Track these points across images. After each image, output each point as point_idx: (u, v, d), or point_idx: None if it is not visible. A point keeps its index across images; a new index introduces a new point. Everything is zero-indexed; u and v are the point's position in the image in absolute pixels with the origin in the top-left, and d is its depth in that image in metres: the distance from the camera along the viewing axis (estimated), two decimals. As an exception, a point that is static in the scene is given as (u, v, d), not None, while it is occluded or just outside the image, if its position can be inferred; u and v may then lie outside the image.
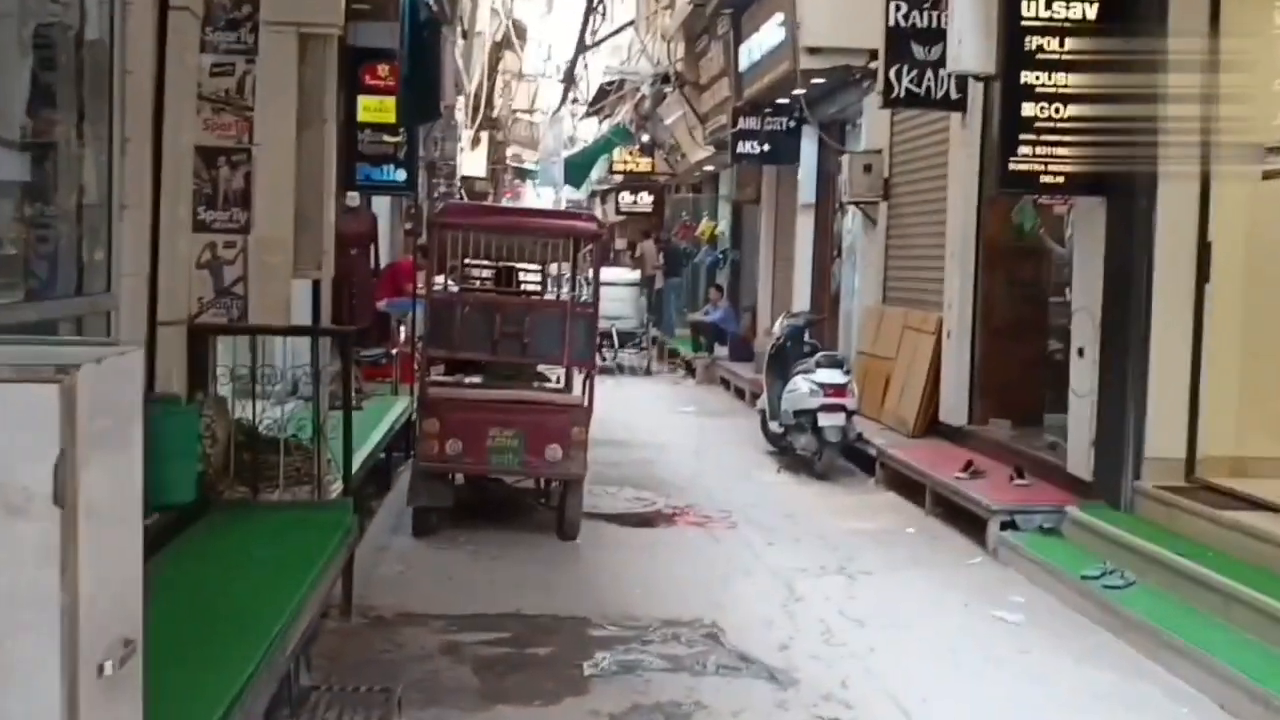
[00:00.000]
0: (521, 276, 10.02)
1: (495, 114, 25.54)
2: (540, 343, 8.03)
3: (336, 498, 6.12)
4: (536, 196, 42.92)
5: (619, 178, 31.25)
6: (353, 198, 10.65)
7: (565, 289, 9.13)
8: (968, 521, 8.40)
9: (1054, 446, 8.90)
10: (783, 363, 11.50)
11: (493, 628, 6.07)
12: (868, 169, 12.40)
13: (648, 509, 9.22)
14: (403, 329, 13.14)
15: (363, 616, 6.07)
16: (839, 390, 10.49)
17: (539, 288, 9.89)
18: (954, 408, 10.33)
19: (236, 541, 5.24)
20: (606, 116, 28.34)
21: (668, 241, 24.00)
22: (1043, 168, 7.76)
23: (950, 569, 7.66)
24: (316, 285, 10.15)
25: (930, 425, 10.76)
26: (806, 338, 11.71)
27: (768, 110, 15.52)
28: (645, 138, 23.35)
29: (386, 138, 11.00)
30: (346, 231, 10.53)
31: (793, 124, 15.48)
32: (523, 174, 34.53)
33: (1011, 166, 7.76)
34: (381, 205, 14.14)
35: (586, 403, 8.06)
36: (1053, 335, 9.63)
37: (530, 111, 28.38)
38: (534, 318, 8.14)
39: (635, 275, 22.17)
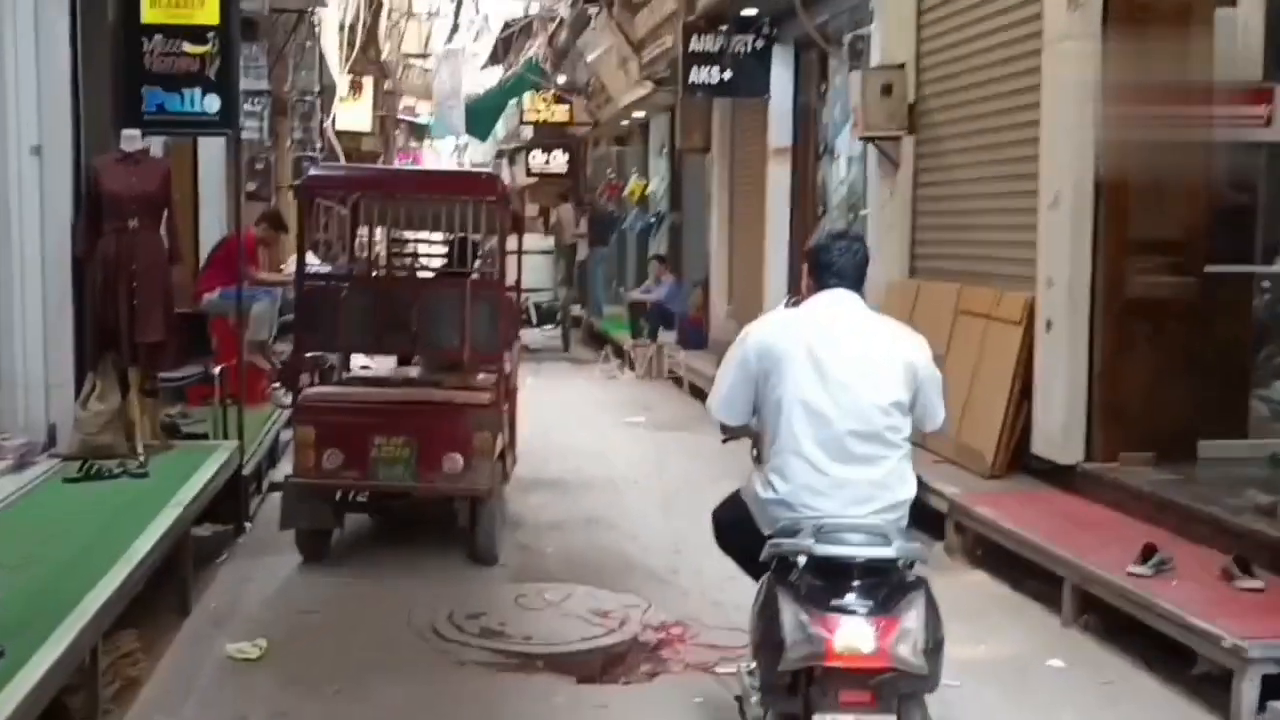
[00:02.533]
0: (413, 251, 8.55)
1: (383, 57, 21.54)
2: (433, 331, 6.70)
3: None
4: (436, 157, 38.89)
5: (529, 130, 27.46)
6: (132, 137, 6.84)
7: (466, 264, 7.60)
8: (1151, 640, 5.01)
9: (1276, 510, 5.51)
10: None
11: None
12: (887, 91, 8.87)
13: (613, 636, 5.62)
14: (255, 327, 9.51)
15: None
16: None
17: (438, 263, 8.30)
18: (1059, 435, 6.88)
19: None
20: (512, 65, 24.44)
21: (591, 205, 20.29)
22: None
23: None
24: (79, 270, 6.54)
25: (1014, 459, 7.31)
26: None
27: (725, 27, 11.92)
28: (562, 79, 19.54)
29: (189, 47, 7.19)
30: (121, 191, 6.74)
31: (761, 44, 11.93)
32: (419, 131, 30.49)
33: None
34: (212, 155, 10.27)
35: (498, 402, 6.66)
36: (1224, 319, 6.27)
37: (424, 56, 24.35)
38: (425, 301, 6.73)
39: (549, 243, 18.49)
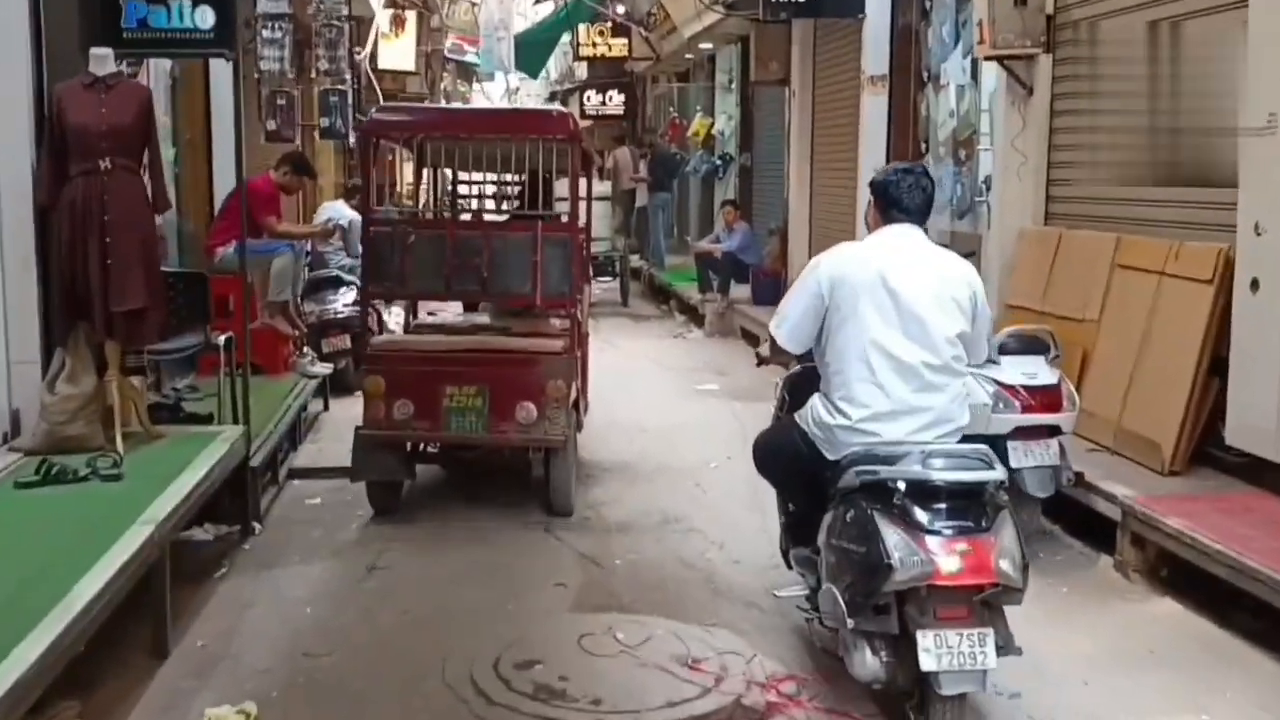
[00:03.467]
0: (480, 194, 8.19)
1: (427, -10, 20.09)
2: (504, 277, 6.45)
3: None
4: (487, 101, 37.45)
5: (583, 70, 25.95)
6: (103, 57, 5.51)
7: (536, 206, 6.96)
8: None
9: None
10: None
11: None
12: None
13: (709, 698, 4.29)
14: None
15: None
16: (1048, 396, 5.56)
17: (507, 206, 7.95)
18: (1267, 423, 5.39)
19: None
20: (565, -2, 22.87)
21: (652, 146, 18.77)
22: None
23: None
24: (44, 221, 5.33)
25: (1197, 450, 5.86)
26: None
27: (812, -64, 10.38)
28: (620, 9, 17.98)
29: (172, -54, 5.87)
30: (89, 124, 5.45)
31: (853, -45, 10.36)
32: (467, 72, 29.01)
33: None
34: (227, 86, 8.96)
35: (571, 350, 6.50)
36: None
37: (473, -12, 22.87)
38: (495, 245, 6.46)
39: (605, 188, 17.01)
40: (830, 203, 12.07)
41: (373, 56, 16.92)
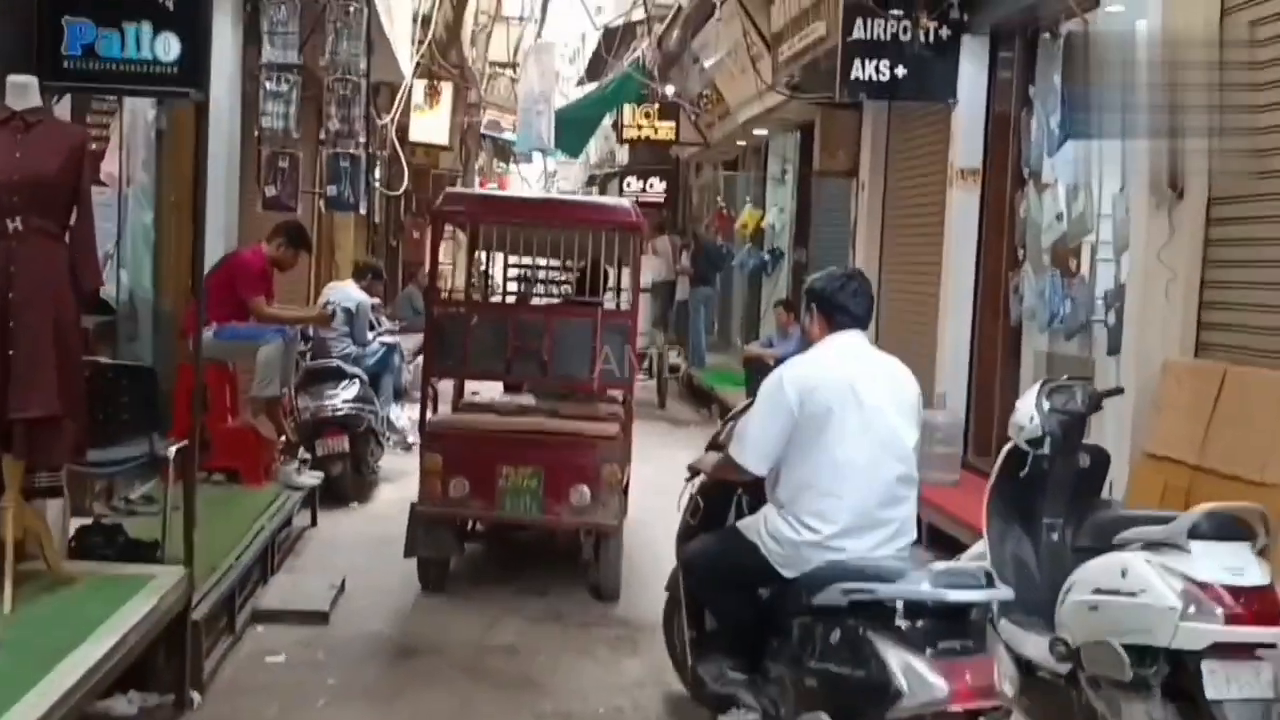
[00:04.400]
0: (540, 279, 8.20)
1: (466, 63, 19.06)
2: (564, 360, 6.62)
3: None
4: (523, 183, 36.54)
5: (624, 154, 24.91)
6: (22, 86, 4.23)
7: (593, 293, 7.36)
8: None
9: None
10: (1032, 497, 5.19)
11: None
12: (1175, 80, 6.00)
13: None
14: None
15: None
16: (1260, 601, 4.09)
17: (561, 292, 8.12)
18: None
19: None
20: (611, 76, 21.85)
21: (695, 237, 17.51)
22: None
23: None
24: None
25: None
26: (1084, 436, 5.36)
27: (899, 11, 9.12)
28: (669, 90, 16.83)
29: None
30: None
31: (946, 33, 9.09)
32: (504, 152, 28.04)
33: None
34: (223, 136, 7.73)
35: (625, 434, 6.67)
36: None
37: (513, 65, 21.83)
38: (557, 329, 6.65)
39: (644, 279, 15.70)
40: (903, 307, 10.69)
41: (403, 128, 15.84)
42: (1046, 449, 5.08)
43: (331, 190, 8.79)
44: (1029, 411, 5.19)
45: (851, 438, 3.91)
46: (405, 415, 10.25)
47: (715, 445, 4.98)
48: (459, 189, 10.91)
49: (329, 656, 5.56)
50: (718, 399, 14.38)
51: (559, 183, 39.42)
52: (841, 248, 12.69)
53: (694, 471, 4.88)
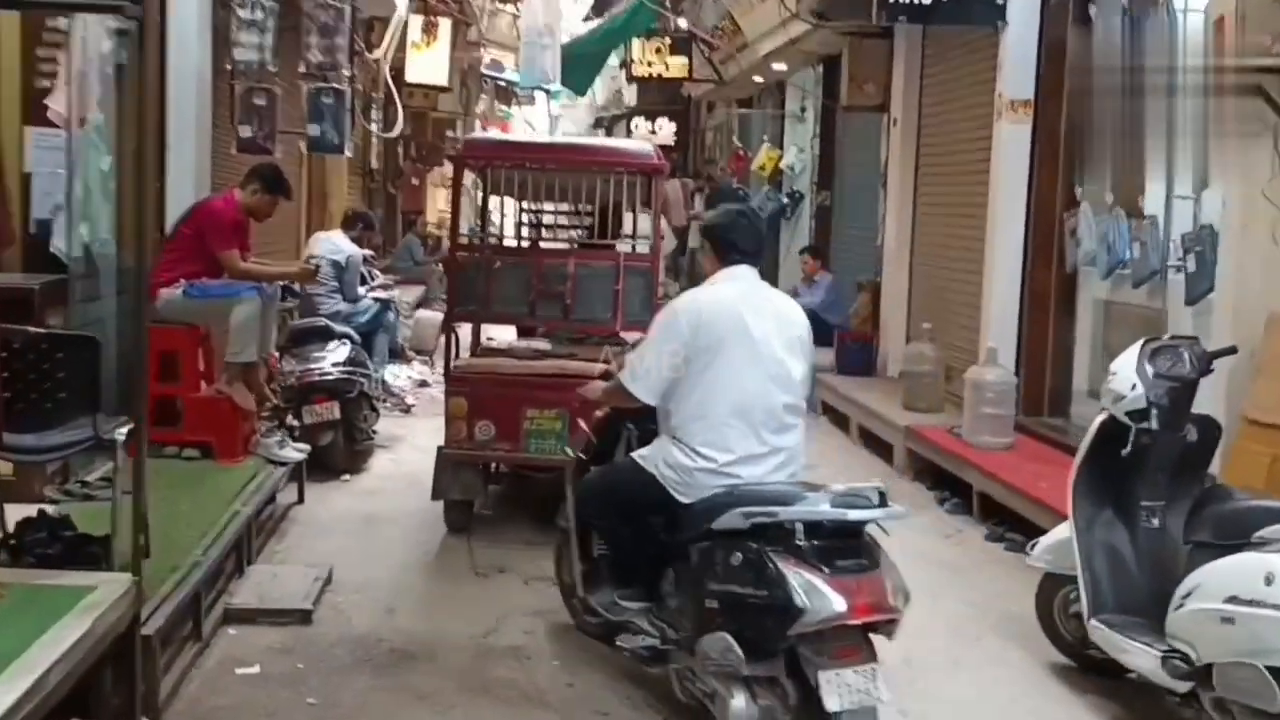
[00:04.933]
0: (559, 223, 8.31)
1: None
2: (587, 303, 6.66)
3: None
4: (528, 127, 35.51)
5: (631, 95, 23.96)
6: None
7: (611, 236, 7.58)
8: None
9: None
10: (1128, 477, 4.44)
11: None
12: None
13: None
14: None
15: None
16: None
17: (580, 236, 8.06)
18: None
19: None
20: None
21: (710, 179, 16.57)
22: None
23: None
24: None
25: None
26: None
27: (940, -74, 8.21)
28: (683, 22, 15.83)
29: None
30: None
31: (994, -51, 8.19)
32: (506, 95, 27.01)
33: None
34: (189, 68, 6.91)
35: None
36: None
37: (514, 1, 20.79)
38: (579, 273, 6.66)
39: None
40: (941, 250, 9.86)
41: (399, 69, 14.94)
42: (1153, 423, 4.29)
43: (314, 130, 7.89)
44: (1129, 377, 4.40)
45: (742, 368, 4.04)
46: (405, 375, 9.47)
47: (605, 376, 5.05)
48: (480, 134, 9.89)
49: (310, 667, 4.81)
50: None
51: (563, 126, 38.37)
52: (870, 189, 11.85)
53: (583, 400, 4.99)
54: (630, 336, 6.70)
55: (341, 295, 8.51)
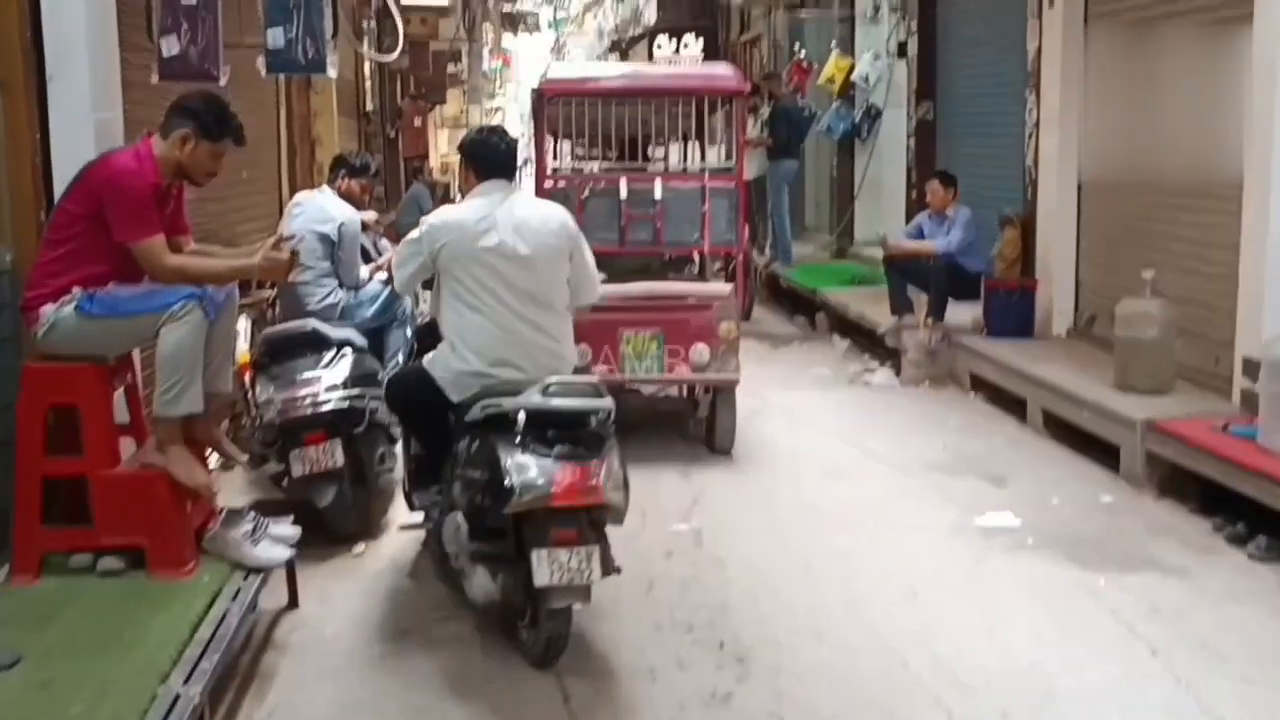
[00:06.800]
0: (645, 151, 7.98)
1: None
2: (676, 226, 6.96)
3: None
4: (533, 60, 32.74)
5: (650, 9, 21.30)
6: None
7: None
8: None
9: None
10: None
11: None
12: None
13: None
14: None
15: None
16: None
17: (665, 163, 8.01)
18: None
19: None
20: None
21: (771, 95, 13.90)
22: None
23: None
24: None
25: None
26: None
27: None
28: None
29: None
30: None
31: None
32: (514, 21, 24.23)
33: None
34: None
35: (736, 293, 6.94)
36: None
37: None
38: (667, 196, 6.93)
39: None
40: (1143, 168, 7.32)
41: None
42: None
43: (275, 38, 5.21)
44: None
45: (488, 277, 4.31)
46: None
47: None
48: (559, 68, 9.47)
49: None
50: (822, 305, 11.09)
51: (571, 53, 35.54)
52: (996, 95, 9.29)
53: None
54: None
55: (338, 281, 6.05)
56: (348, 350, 5.51)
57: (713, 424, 6.87)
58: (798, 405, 8.13)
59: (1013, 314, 8.25)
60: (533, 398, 4.00)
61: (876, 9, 13.24)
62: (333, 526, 5.40)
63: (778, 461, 6.78)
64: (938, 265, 8.48)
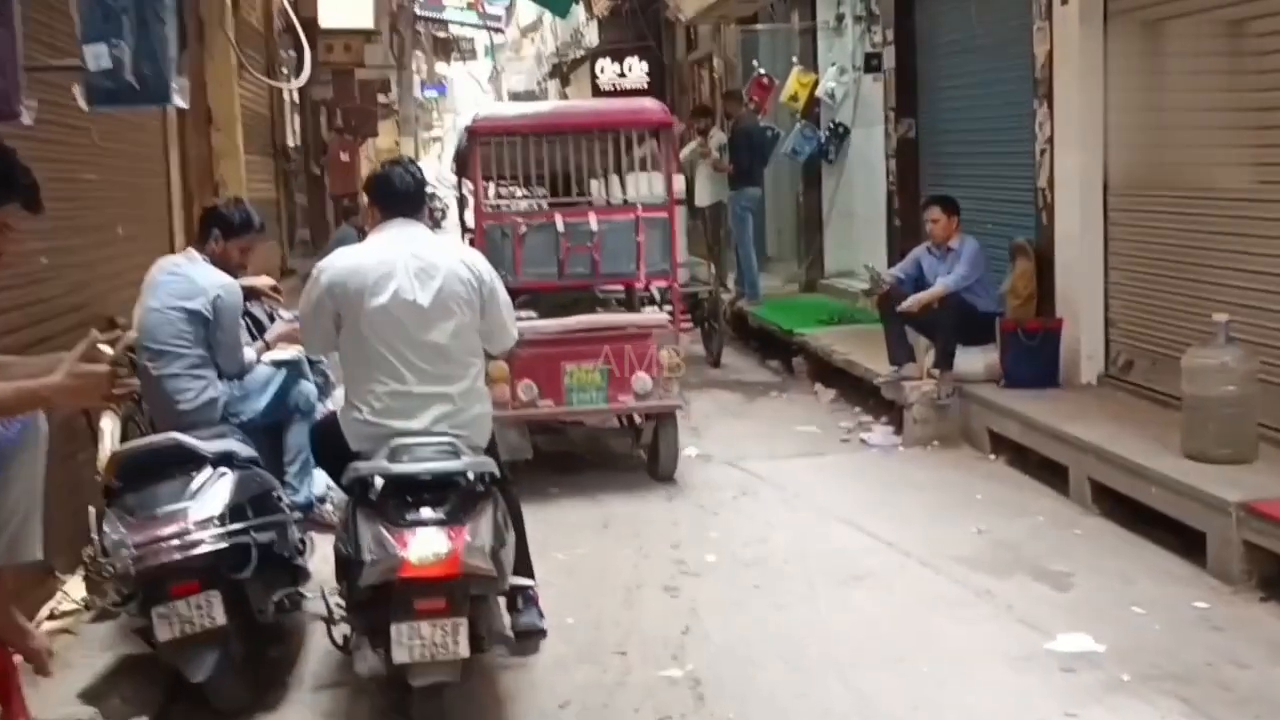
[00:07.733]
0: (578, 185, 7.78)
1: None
2: (613, 258, 7.06)
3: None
4: (480, 90, 31.53)
5: (593, 34, 20.22)
6: None
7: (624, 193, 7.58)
8: None
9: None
10: None
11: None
12: None
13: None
14: None
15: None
16: None
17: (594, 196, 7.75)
18: None
19: None
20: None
21: (729, 116, 12.68)
22: None
23: None
24: None
25: None
26: None
27: None
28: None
29: None
30: None
31: None
32: (447, 47, 22.95)
33: None
34: None
35: (675, 323, 7.13)
36: None
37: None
38: (603, 229, 7.02)
39: (659, 188, 10.72)
40: (1190, 183, 6.20)
41: (310, 21, 11.03)
42: None
43: (96, 56, 3.76)
44: None
45: (383, 323, 4.03)
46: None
47: None
48: (490, 108, 10.10)
49: None
50: (800, 349, 9.89)
51: (509, 79, 34.31)
52: (993, 108, 8.16)
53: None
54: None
55: (216, 370, 4.75)
56: (224, 469, 4.20)
57: (656, 452, 6.95)
58: (789, 478, 6.91)
59: (1035, 360, 7.08)
60: (379, 462, 3.79)
61: (840, 19, 12.12)
62: (216, 701, 4.10)
63: (781, 564, 5.52)
64: (944, 307, 7.30)
